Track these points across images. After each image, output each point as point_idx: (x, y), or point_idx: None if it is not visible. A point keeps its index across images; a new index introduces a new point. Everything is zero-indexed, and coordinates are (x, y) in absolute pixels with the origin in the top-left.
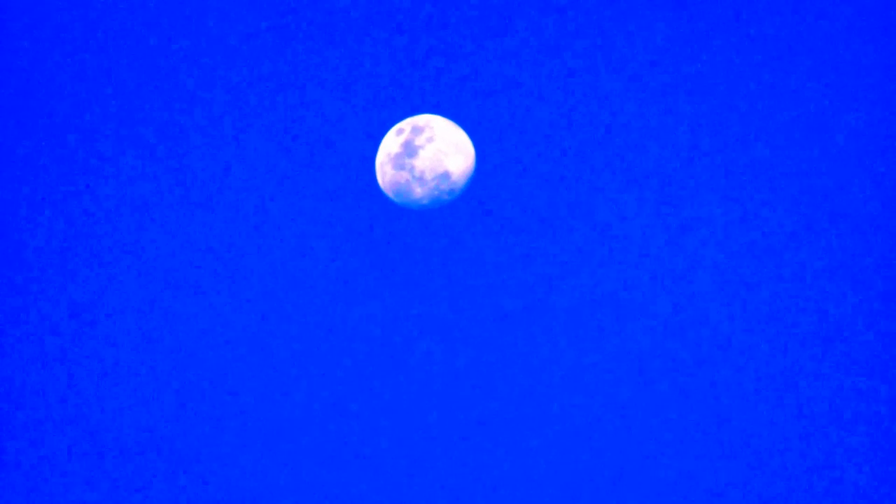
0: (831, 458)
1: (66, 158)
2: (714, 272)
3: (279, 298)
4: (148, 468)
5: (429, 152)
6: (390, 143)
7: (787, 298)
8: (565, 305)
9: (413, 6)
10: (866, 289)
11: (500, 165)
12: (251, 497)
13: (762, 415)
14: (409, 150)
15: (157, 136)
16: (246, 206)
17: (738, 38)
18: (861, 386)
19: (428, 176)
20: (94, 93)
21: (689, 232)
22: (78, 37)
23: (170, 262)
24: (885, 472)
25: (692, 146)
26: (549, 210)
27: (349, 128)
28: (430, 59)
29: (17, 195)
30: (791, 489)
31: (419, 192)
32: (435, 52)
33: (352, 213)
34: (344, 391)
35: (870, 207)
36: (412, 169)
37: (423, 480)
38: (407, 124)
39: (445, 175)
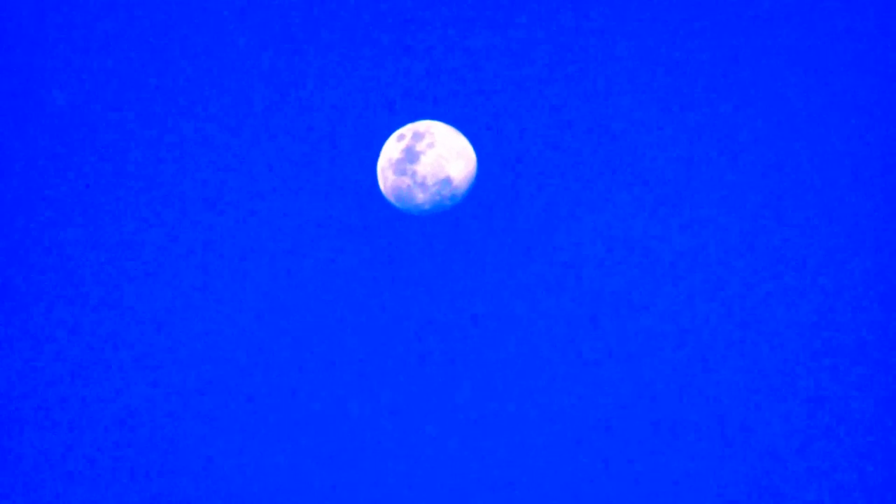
0: (831, 459)
1: (67, 158)
2: (717, 275)
3: (281, 303)
4: (148, 468)
5: (430, 158)
6: (391, 149)
7: (787, 299)
8: (567, 311)
9: (414, 12)
10: (866, 289)
11: (501, 171)
12: (251, 497)
13: (762, 415)
14: (411, 155)
15: (158, 144)
16: (247, 210)
17: (741, 39)
18: (861, 386)
19: (429, 181)
20: (95, 93)
21: (693, 239)
22: (79, 37)
23: (172, 267)
24: (885, 472)
25: (696, 153)
26: (550, 216)
27: (350, 133)
28: (431, 65)
29: (18, 195)
30: (791, 489)
31: (420, 197)
32: (436, 58)
33: (353, 218)
34: (345, 396)
35: (870, 208)
36: (413, 174)
37: (425, 484)
38: (408, 130)
39: (447, 180)
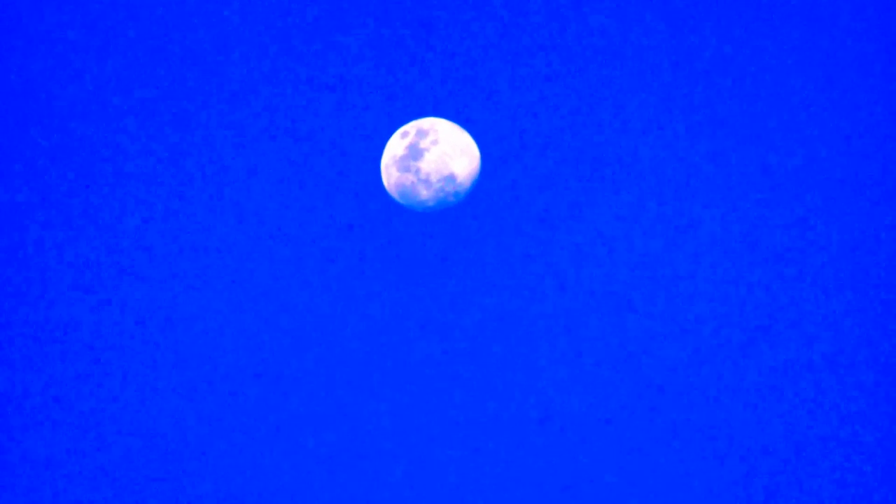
0: (831, 458)
1: (72, 158)
2: (725, 274)
3: (283, 300)
4: (148, 468)
5: (434, 155)
6: (395, 146)
7: (789, 300)
8: (571, 308)
9: (418, 8)
10: (866, 289)
11: (505, 168)
12: (252, 497)
13: (762, 416)
14: (415, 152)
15: (160, 140)
16: (250, 207)
17: (748, 39)
18: (861, 386)
19: (433, 178)
20: (101, 92)
21: (698, 235)
22: (80, 37)
23: (173, 263)
24: (885, 472)
25: (703, 150)
26: (555, 212)
27: (354, 130)
28: (435, 62)
29: (18, 195)
30: (791, 489)
31: (424, 194)
32: (440, 55)
33: (357, 214)
34: (349, 392)
35: (870, 208)
36: (417, 171)
37: (428, 482)
38: (412, 127)
39: (451, 177)
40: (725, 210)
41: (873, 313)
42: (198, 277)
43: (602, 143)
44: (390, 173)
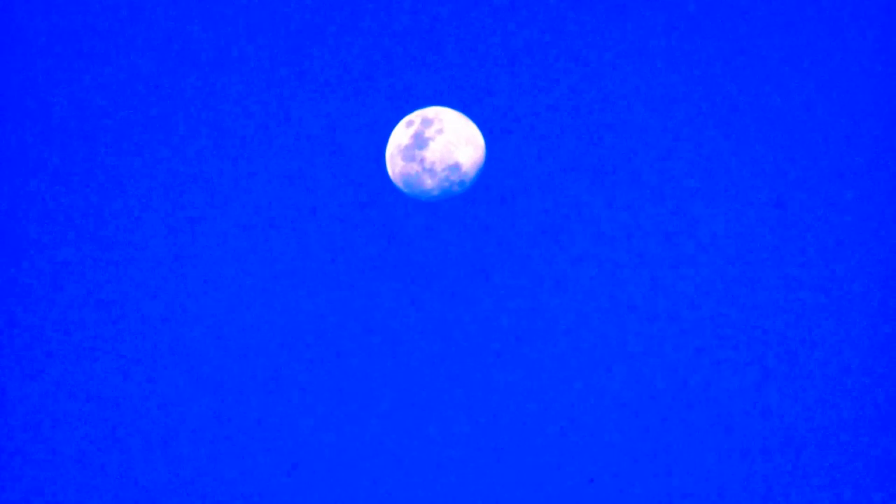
0: (830, 459)
1: (78, 158)
2: (734, 267)
3: (289, 289)
4: (149, 468)
5: (439, 144)
6: (400, 135)
7: (789, 300)
8: (576, 297)
9: None
10: (866, 290)
11: (509, 157)
12: (252, 497)
13: (761, 417)
14: (419, 141)
15: (165, 129)
16: (256, 197)
17: (761, 39)
18: (861, 386)
19: (438, 167)
20: (98, 89)
21: (701, 228)
22: (79, 36)
23: (181, 252)
24: (885, 472)
25: (705, 139)
26: (559, 201)
27: (359, 119)
28: (440, 51)
29: (18, 195)
30: (791, 489)
31: (429, 183)
32: (445, 44)
33: (362, 204)
34: (354, 381)
35: (870, 209)
36: (422, 160)
37: (431, 472)
38: (417, 116)
39: (455, 166)
40: (729, 199)
41: (873, 313)
42: (204, 266)
43: (606, 134)
44: (395, 163)
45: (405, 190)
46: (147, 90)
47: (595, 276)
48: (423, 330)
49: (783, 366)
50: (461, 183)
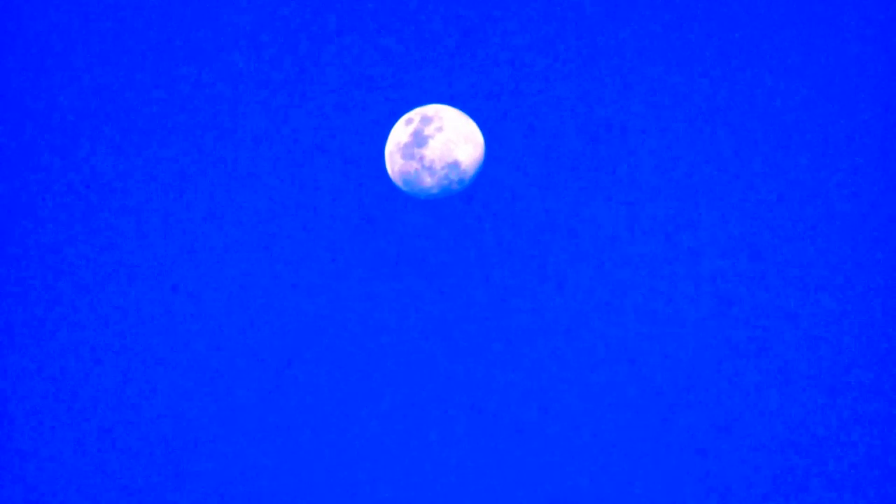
0: (831, 459)
1: (74, 158)
2: (734, 265)
3: (287, 287)
4: (149, 468)
5: (438, 142)
6: (399, 133)
7: (790, 301)
8: (575, 296)
9: None
10: (866, 290)
11: (509, 155)
12: (252, 497)
13: (762, 417)
14: (419, 139)
15: (166, 129)
16: (255, 195)
17: (762, 39)
18: (861, 386)
19: (437, 165)
20: (95, 89)
21: (702, 223)
22: (79, 36)
23: (177, 250)
24: (884, 472)
25: (706, 138)
26: (558, 200)
27: (358, 117)
28: (440, 49)
29: (17, 195)
30: (790, 489)
31: (428, 181)
32: (444, 42)
33: (361, 202)
34: (352, 378)
35: (870, 210)
36: (421, 158)
37: (429, 472)
38: (416, 114)
39: (455, 164)
40: (730, 198)
41: (873, 313)
42: (202, 265)
43: (606, 132)
44: (394, 160)
45: (404, 188)
46: (143, 88)
47: (595, 275)
48: (421, 328)
49: (783, 366)
50: (460, 181)
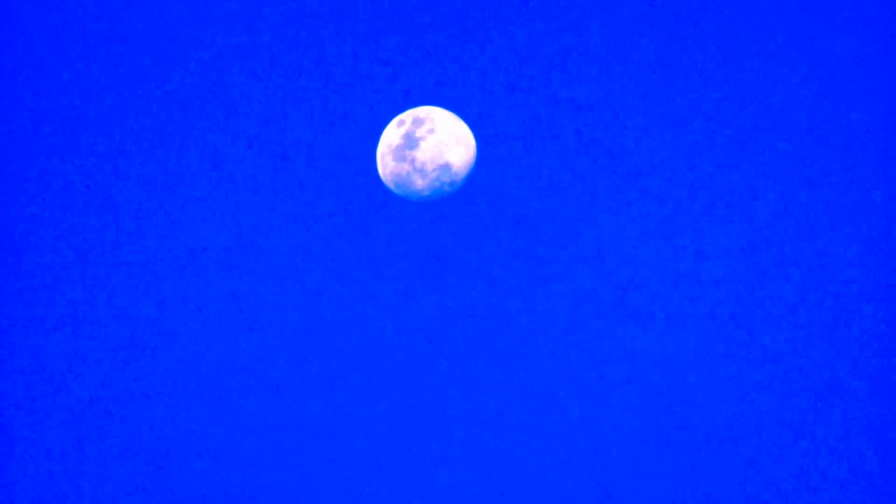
0: (830, 459)
1: (67, 158)
2: (723, 264)
3: (278, 290)
4: (148, 469)
5: (430, 144)
6: (391, 135)
7: (789, 302)
8: (566, 299)
9: None
10: (866, 291)
11: (501, 157)
12: (252, 497)
13: (762, 418)
14: (410, 141)
15: (154, 130)
16: (246, 197)
17: (754, 40)
18: (861, 386)
19: (429, 167)
20: (88, 91)
21: (692, 226)
22: (78, 36)
23: (168, 255)
24: (885, 473)
25: (696, 142)
26: (550, 202)
27: (350, 119)
28: (432, 51)
29: (17, 195)
30: (790, 490)
31: (420, 183)
32: (436, 44)
33: (352, 204)
34: (343, 381)
35: (870, 211)
36: (413, 160)
37: (424, 476)
38: (408, 116)
39: (446, 167)
40: (721, 198)
41: (874, 313)
42: (192, 268)
43: (597, 134)
44: (386, 163)
45: (396, 190)
46: (137, 90)
47: (586, 276)
48: (413, 330)
49: (783, 366)
50: (452, 183)
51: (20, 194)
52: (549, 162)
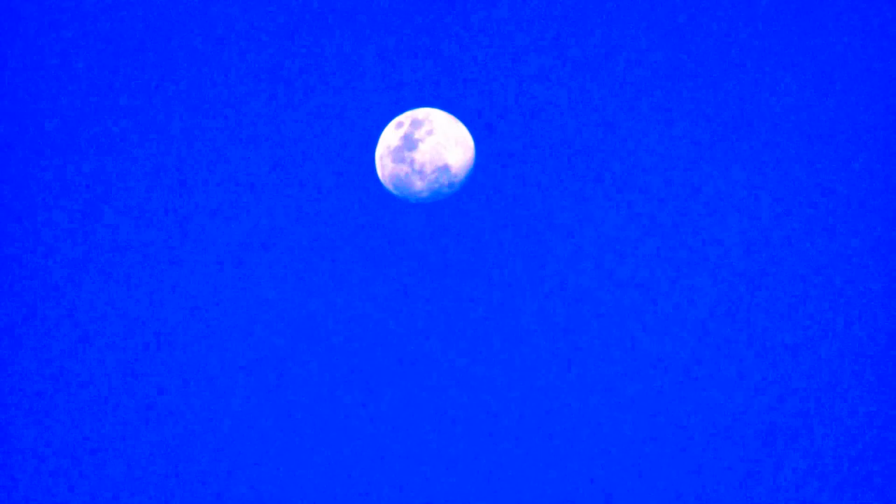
0: (831, 459)
1: (67, 159)
2: (722, 264)
3: (277, 292)
4: (150, 469)
5: (428, 145)
6: (390, 136)
7: (789, 302)
8: (565, 300)
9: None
10: (866, 291)
11: (499, 159)
12: (252, 497)
13: (761, 418)
14: (409, 143)
15: (155, 131)
16: (245, 199)
17: (753, 40)
18: (861, 387)
19: (428, 169)
20: (88, 92)
21: (692, 227)
22: (78, 36)
23: (168, 257)
24: (885, 473)
25: (695, 142)
26: (549, 203)
27: (349, 121)
28: (430, 52)
29: (17, 195)
30: (790, 490)
31: (419, 185)
32: (435, 45)
33: (351, 205)
34: (342, 382)
35: (870, 212)
36: (412, 162)
37: (424, 477)
38: (406, 117)
39: (445, 168)
40: (721, 198)
41: (873, 313)
42: (191, 270)
43: (595, 135)
44: (384, 164)
45: (395, 192)
46: (136, 91)
47: (584, 277)
48: (412, 332)
49: (783, 366)
50: (451, 184)
51: (20, 194)
52: (547, 163)
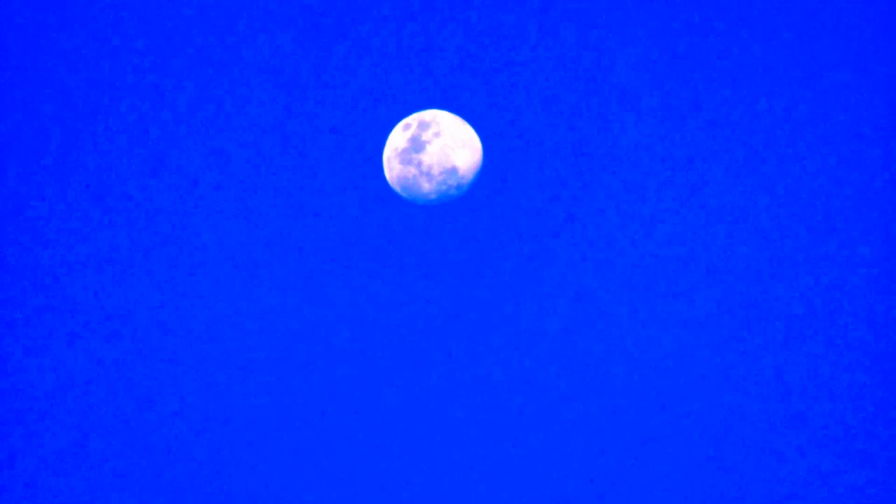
0: (831, 460)
1: (73, 158)
2: (731, 267)
3: (286, 293)
4: (150, 469)
5: (436, 147)
6: (397, 138)
7: (789, 302)
8: (574, 302)
9: (421, 1)
10: (866, 291)
11: (507, 160)
12: (252, 497)
13: (762, 419)
14: (416, 145)
15: (164, 135)
16: (254, 201)
17: (756, 39)
18: (861, 387)
19: (435, 171)
20: (91, 92)
21: (701, 231)
22: (77, 36)
23: (175, 260)
24: (885, 473)
25: (705, 147)
26: (557, 205)
27: (356, 123)
28: (437, 54)
29: (16, 195)
30: (790, 490)
31: (426, 187)
32: (442, 47)
33: (359, 207)
34: (349, 384)
35: (870, 212)
36: (419, 164)
37: (426, 478)
38: (413, 119)
39: (453, 170)
40: (729, 201)
41: (873, 313)
42: (198, 271)
43: (603, 137)
44: (392, 166)
45: (402, 194)
46: (142, 92)
47: (592, 279)
48: (420, 334)
49: (783, 366)
50: (458, 187)
51: (20, 194)
52: (555, 165)
